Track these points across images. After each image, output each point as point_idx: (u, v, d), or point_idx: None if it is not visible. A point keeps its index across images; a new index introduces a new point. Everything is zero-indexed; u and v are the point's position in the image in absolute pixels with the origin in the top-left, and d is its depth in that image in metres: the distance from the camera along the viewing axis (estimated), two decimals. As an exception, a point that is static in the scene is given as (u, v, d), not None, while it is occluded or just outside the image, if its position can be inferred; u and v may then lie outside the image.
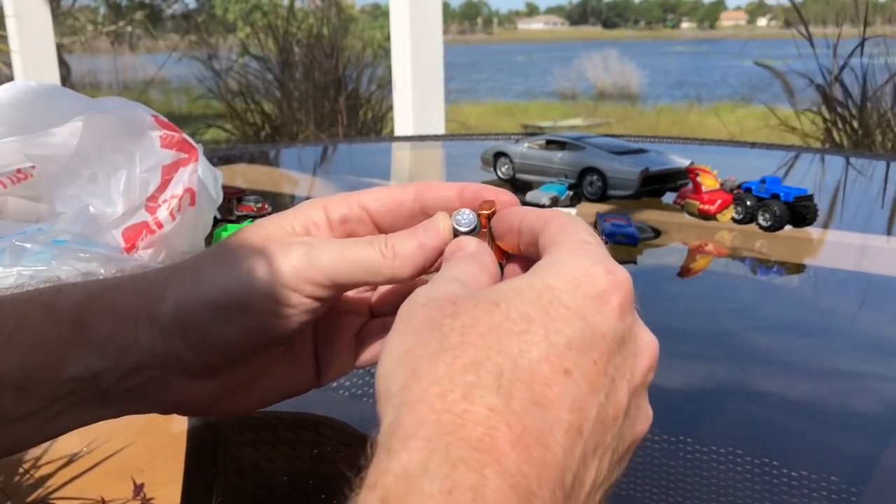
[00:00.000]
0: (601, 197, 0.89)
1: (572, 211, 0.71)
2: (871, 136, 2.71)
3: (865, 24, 2.71)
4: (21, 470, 0.36)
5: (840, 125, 2.77)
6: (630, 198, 0.88)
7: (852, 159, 1.31)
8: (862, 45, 2.70)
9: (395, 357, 0.21)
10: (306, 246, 0.29)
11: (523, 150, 0.99)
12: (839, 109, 2.75)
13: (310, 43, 3.80)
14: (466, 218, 0.29)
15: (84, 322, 0.28)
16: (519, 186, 0.98)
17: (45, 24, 3.03)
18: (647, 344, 0.26)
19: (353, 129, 3.68)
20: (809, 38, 2.79)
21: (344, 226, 0.33)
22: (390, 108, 3.76)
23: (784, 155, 1.29)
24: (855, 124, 2.73)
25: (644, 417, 0.26)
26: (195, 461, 0.37)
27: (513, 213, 0.28)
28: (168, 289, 0.29)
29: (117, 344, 0.29)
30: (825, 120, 2.80)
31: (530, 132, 1.56)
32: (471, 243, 0.28)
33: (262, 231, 0.30)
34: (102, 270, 0.53)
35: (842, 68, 2.72)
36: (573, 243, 0.24)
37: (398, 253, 0.29)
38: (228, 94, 4.00)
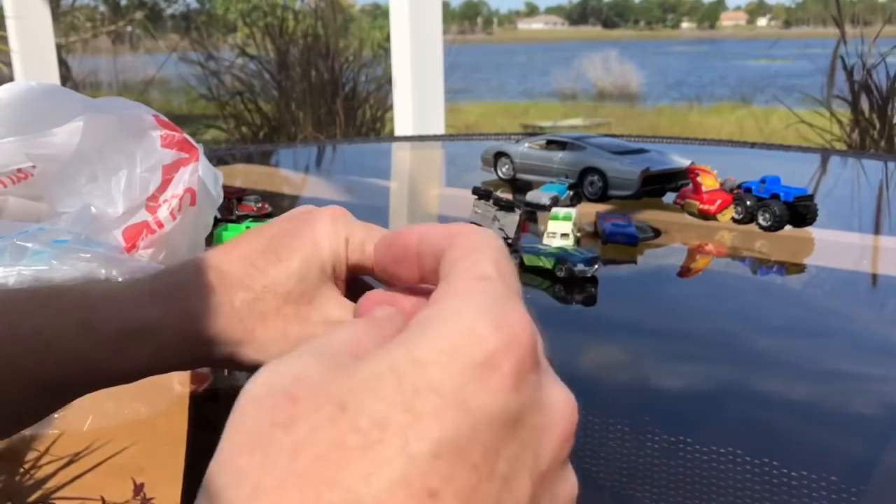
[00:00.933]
0: (602, 197, 0.89)
1: (573, 211, 0.71)
2: (891, 135, 2.70)
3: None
4: (21, 470, 0.36)
5: (869, 122, 2.75)
6: (630, 198, 0.88)
7: (863, 160, 1.31)
8: None
9: (212, 482, 0.17)
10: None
11: (524, 150, 0.99)
12: (872, 105, 2.73)
13: (308, 43, 3.80)
14: None
15: (123, 350, 0.30)
16: (519, 186, 0.98)
17: (44, 24, 3.03)
18: (558, 410, 0.20)
19: (351, 128, 3.68)
20: (843, 37, 2.77)
21: (351, 269, 0.35)
22: (389, 107, 3.77)
23: (784, 155, 1.29)
24: (877, 123, 2.72)
25: (564, 494, 0.20)
26: (195, 461, 0.37)
27: (406, 235, 0.24)
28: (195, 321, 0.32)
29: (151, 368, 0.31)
30: (857, 114, 2.78)
31: (530, 132, 1.56)
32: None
33: (306, 287, 0.33)
34: (103, 271, 0.53)
35: (877, 63, 2.70)
36: (464, 281, 0.20)
37: None
38: (226, 95, 4.00)
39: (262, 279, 0.33)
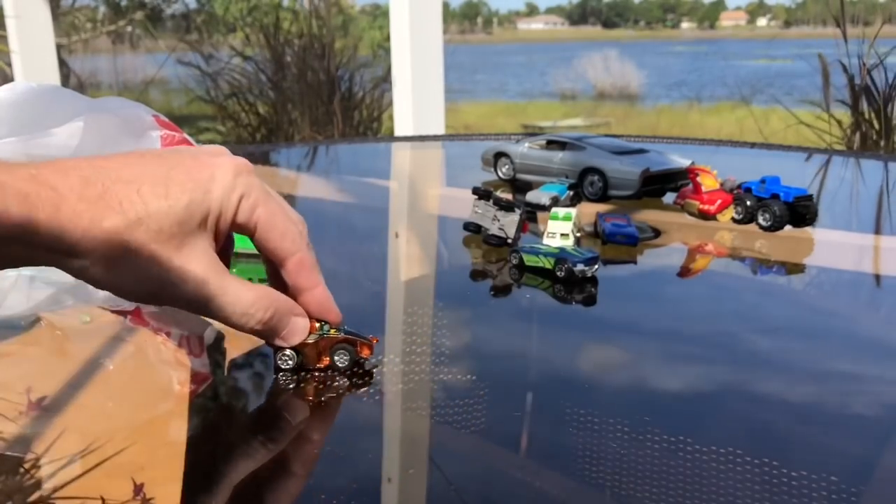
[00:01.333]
0: (602, 197, 0.89)
1: (573, 211, 0.71)
2: (891, 136, 2.70)
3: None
4: (21, 470, 0.36)
5: (869, 121, 2.75)
6: (631, 198, 0.88)
7: (863, 160, 1.31)
8: None
9: None
10: (221, 290, 0.36)
11: (524, 150, 0.99)
12: (869, 106, 2.73)
13: (304, 44, 3.80)
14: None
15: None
16: (519, 186, 0.98)
17: (45, 24, 3.03)
18: None
19: (348, 128, 3.68)
20: (844, 37, 2.76)
21: (235, 227, 0.36)
22: (386, 107, 3.77)
23: (784, 155, 1.29)
24: (879, 123, 2.71)
25: None
26: (195, 461, 0.37)
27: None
28: (81, 255, 0.32)
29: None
30: (857, 115, 2.78)
31: (530, 132, 1.56)
32: None
33: (184, 220, 0.34)
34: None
35: (876, 65, 2.70)
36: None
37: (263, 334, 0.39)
38: (221, 96, 3.99)
39: (139, 209, 0.32)
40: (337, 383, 0.44)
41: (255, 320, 0.37)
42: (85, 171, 0.32)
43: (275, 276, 0.41)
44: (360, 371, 0.45)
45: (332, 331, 0.45)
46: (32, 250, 0.31)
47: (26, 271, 0.52)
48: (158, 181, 0.33)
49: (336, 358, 0.46)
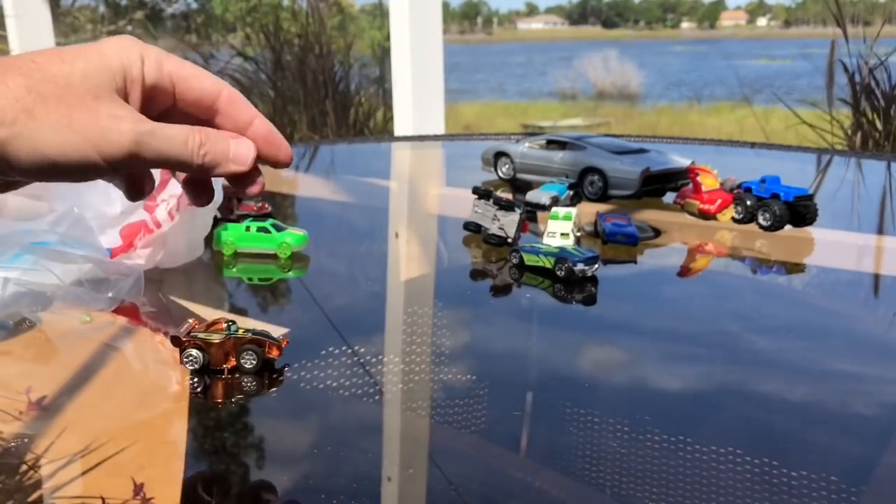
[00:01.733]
0: (602, 197, 0.89)
1: (573, 211, 0.71)
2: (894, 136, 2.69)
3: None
4: (21, 470, 0.36)
5: (871, 122, 2.74)
6: (631, 197, 0.88)
7: (863, 160, 1.31)
8: None
9: None
10: (137, 132, 0.33)
11: (524, 149, 0.99)
12: (872, 105, 2.72)
13: (301, 43, 3.80)
14: None
15: None
16: (519, 186, 0.98)
17: (45, 24, 3.03)
18: None
19: (343, 127, 3.68)
20: (845, 36, 2.76)
21: (150, 91, 0.35)
22: (380, 106, 3.76)
23: (784, 155, 1.29)
24: (879, 123, 2.71)
25: None
26: (195, 461, 0.37)
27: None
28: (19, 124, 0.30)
29: None
30: (860, 115, 2.77)
31: (530, 132, 1.56)
32: None
33: (86, 80, 0.32)
34: (88, 271, 0.53)
35: (877, 65, 2.69)
36: None
37: (210, 164, 0.36)
38: None
39: (39, 74, 0.31)
40: (336, 383, 0.44)
41: (197, 147, 0.35)
42: None
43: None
44: (360, 372, 0.45)
45: (240, 331, 0.45)
46: None
47: (11, 273, 0.52)
48: (49, 54, 0.33)
49: (243, 359, 0.45)
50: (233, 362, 0.45)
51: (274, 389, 0.43)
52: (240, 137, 0.37)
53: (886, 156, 2.00)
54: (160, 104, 0.35)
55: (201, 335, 0.45)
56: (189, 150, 0.35)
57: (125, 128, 0.32)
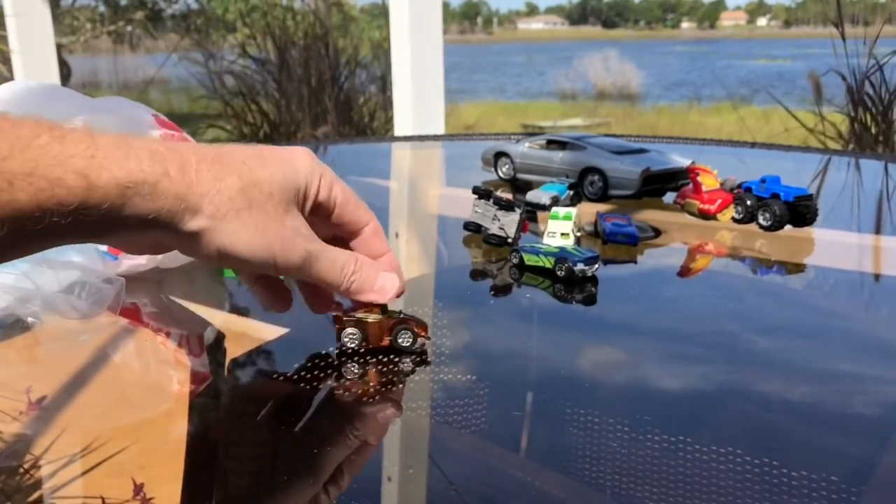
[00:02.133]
0: (602, 197, 0.89)
1: (573, 210, 0.71)
2: (893, 137, 2.69)
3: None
4: (21, 470, 0.36)
5: (867, 125, 2.74)
6: (631, 198, 0.88)
7: (863, 160, 1.31)
8: None
9: None
10: (308, 252, 0.38)
11: (524, 149, 0.99)
12: (869, 108, 2.72)
13: (306, 43, 3.80)
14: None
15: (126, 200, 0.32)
16: (519, 186, 0.98)
17: (44, 23, 3.03)
18: None
19: (346, 127, 3.69)
20: (843, 38, 2.75)
21: (315, 206, 0.39)
22: (383, 106, 3.77)
23: (784, 155, 1.29)
24: (874, 126, 2.70)
25: None
26: (195, 461, 0.37)
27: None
28: (204, 216, 0.34)
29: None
30: (853, 120, 2.77)
31: (530, 132, 1.56)
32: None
33: (280, 191, 0.36)
34: (69, 277, 0.53)
35: (880, 66, 2.68)
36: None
37: (355, 290, 0.42)
38: (227, 95, 4.00)
39: (250, 174, 0.35)
40: (335, 383, 0.44)
41: (350, 273, 0.40)
42: (191, 145, 0.35)
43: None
44: (364, 376, 0.45)
45: (394, 313, 0.47)
46: (157, 202, 0.32)
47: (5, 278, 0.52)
48: (254, 156, 0.36)
49: (400, 338, 0.47)
50: (387, 342, 0.47)
51: (362, 389, 0.43)
52: (390, 272, 0.43)
53: (885, 155, 2.00)
54: (313, 216, 0.40)
55: (360, 314, 0.47)
56: (342, 275, 0.40)
57: (301, 245, 0.37)
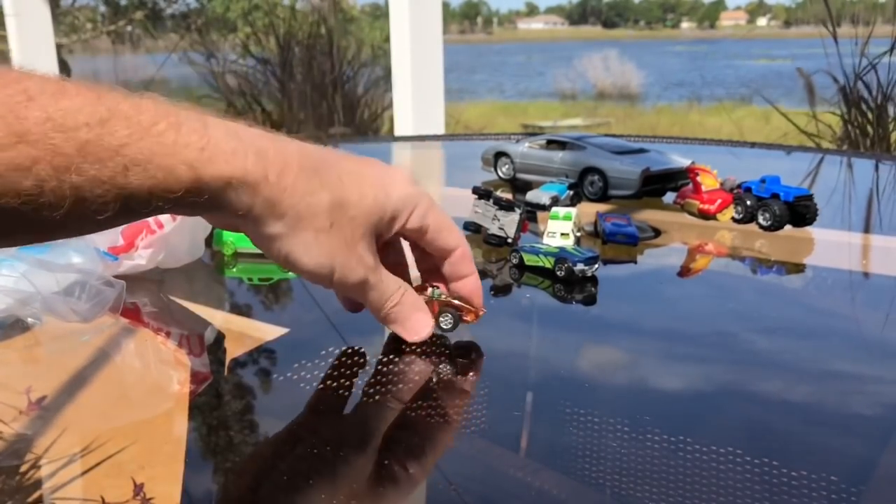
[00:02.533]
0: (602, 197, 0.89)
1: (573, 210, 0.71)
2: (888, 137, 2.69)
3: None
4: (21, 470, 0.36)
5: (860, 125, 2.74)
6: (631, 198, 0.88)
7: (863, 160, 1.31)
8: (894, 46, 2.65)
9: None
10: (366, 280, 0.40)
11: (524, 149, 0.99)
12: (861, 108, 2.72)
13: (309, 43, 3.80)
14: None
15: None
16: (519, 186, 0.98)
17: (44, 23, 3.03)
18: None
19: (350, 126, 3.69)
20: (835, 37, 2.75)
21: (403, 230, 0.41)
22: (387, 106, 3.77)
23: (784, 155, 1.29)
24: (873, 124, 2.70)
25: None
26: (195, 461, 0.37)
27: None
28: (281, 224, 0.35)
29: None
30: (845, 121, 2.78)
31: (530, 132, 1.56)
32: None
33: (364, 221, 0.38)
34: (69, 280, 0.53)
35: (871, 66, 2.69)
36: None
37: (391, 320, 0.43)
38: (231, 94, 4.00)
39: (341, 194, 0.36)
40: (337, 383, 0.44)
41: (392, 304, 0.41)
42: (297, 146, 0.36)
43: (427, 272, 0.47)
44: (361, 374, 0.45)
45: (443, 296, 0.48)
46: (251, 201, 0.33)
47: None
48: (354, 172, 0.37)
49: (441, 320, 0.48)
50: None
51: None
52: (426, 315, 0.44)
53: (885, 156, 2.00)
54: (405, 236, 0.42)
55: None
56: (385, 304, 0.41)
57: (361, 273, 0.38)
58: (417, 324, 0.44)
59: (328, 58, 3.73)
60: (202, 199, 0.31)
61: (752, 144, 1.36)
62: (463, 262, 0.45)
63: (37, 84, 0.25)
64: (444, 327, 0.48)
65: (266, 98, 3.95)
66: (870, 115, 2.72)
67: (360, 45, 4.20)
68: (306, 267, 0.37)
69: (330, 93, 3.69)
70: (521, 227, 0.72)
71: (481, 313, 0.49)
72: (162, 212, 0.32)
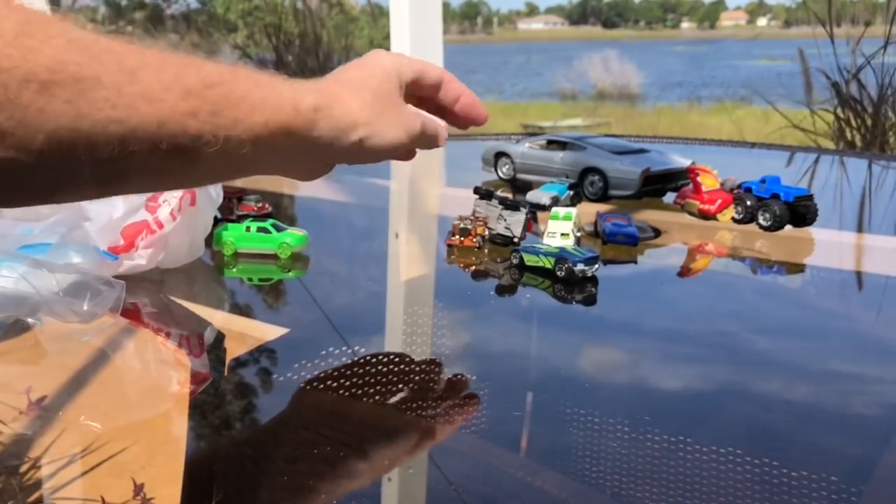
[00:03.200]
0: (602, 197, 0.89)
1: (573, 211, 0.71)
2: (884, 136, 2.69)
3: (891, 24, 2.68)
4: (21, 470, 0.36)
5: (854, 124, 2.74)
6: (631, 198, 0.88)
7: (862, 160, 1.31)
8: (886, 45, 2.66)
9: None
10: (421, 121, 0.45)
11: (524, 150, 0.99)
12: (854, 107, 2.72)
13: (304, 44, 3.80)
14: None
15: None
16: (520, 186, 0.98)
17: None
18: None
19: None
20: (831, 37, 2.75)
21: (410, 85, 0.46)
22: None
23: (784, 155, 1.29)
24: (868, 123, 2.70)
25: None
26: (195, 461, 0.37)
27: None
28: (361, 125, 0.41)
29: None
30: (839, 119, 2.78)
31: (530, 132, 1.56)
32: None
33: (391, 86, 0.44)
34: (69, 281, 0.53)
35: (861, 67, 2.69)
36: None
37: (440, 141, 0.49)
38: None
39: (370, 83, 0.42)
40: (337, 383, 0.44)
41: (432, 130, 0.47)
42: (324, 78, 0.42)
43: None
44: (360, 373, 0.45)
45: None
46: (335, 122, 0.39)
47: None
48: (361, 67, 0.43)
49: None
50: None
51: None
52: (440, 123, 0.49)
53: (885, 156, 2.00)
54: (408, 95, 0.46)
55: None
56: (437, 132, 0.48)
57: (416, 120, 0.44)
58: (441, 134, 0.49)
59: (319, 58, 3.73)
60: (302, 132, 0.37)
61: (753, 144, 1.36)
62: (452, 84, 0.49)
63: (182, 56, 0.34)
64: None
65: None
66: (861, 113, 2.73)
67: (351, 44, 4.19)
68: (392, 144, 0.43)
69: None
70: (527, 227, 0.72)
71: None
72: (276, 150, 0.38)
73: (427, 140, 0.48)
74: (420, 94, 0.48)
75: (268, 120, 0.35)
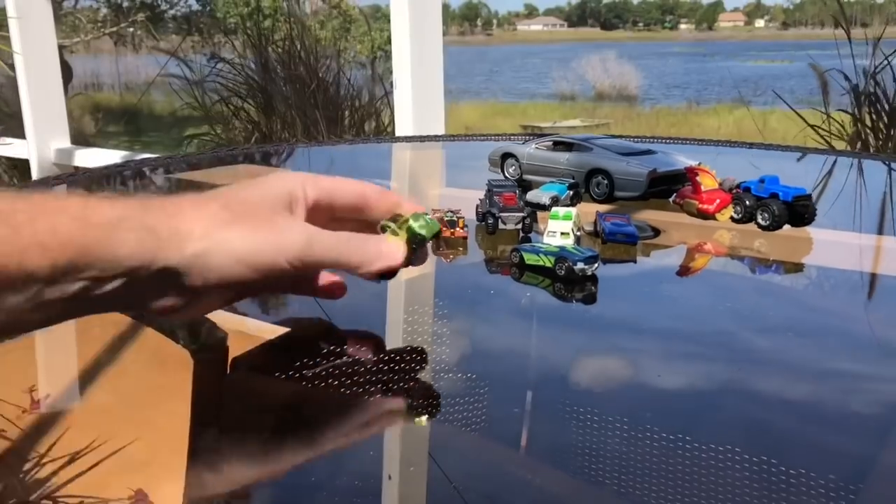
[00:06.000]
0: (608, 198, 0.89)
1: (573, 210, 0.71)
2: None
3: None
4: (21, 470, 0.36)
5: (871, 126, 2.73)
6: (638, 199, 0.87)
7: (862, 160, 1.32)
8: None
9: None
10: (307, 235, 0.40)
11: (530, 151, 0.99)
12: (870, 110, 2.71)
13: (287, 48, 3.80)
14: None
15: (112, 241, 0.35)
16: (525, 187, 0.98)
17: (47, 25, 3.03)
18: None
19: (334, 133, 3.68)
20: (848, 37, 2.74)
21: (313, 207, 0.42)
22: (373, 113, 3.77)
23: (783, 155, 1.29)
24: (885, 124, 2.70)
25: None
26: (196, 460, 0.37)
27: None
28: (195, 238, 0.36)
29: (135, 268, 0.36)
30: (856, 121, 2.77)
31: (529, 132, 1.56)
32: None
33: (264, 201, 0.40)
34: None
35: (881, 67, 2.68)
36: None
37: (377, 261, 0.43)
38: (209, 102, 3.98)
39: (232, 196, 0.39)
40: (336, 381, 0.44)
41: (354, 247, 0.42)
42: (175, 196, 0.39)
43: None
44: (360, 370, 0.46)
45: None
46: (155, 240, 0.36)
47: None
48: (236, 186, 0.40)
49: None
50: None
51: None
52: (378, 244, 0.44)
53: (885, 156, 2.00)
54: (322, 218, 0.42)
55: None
56: (347, 248, 0.42)
57: (298, 230, 0.39)
58: (390, 251, 0.44)
59: (307, 65, 3.72)
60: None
61: (751, 145, 1.36)
62: (383, 196, 0.45)
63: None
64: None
65: (250, 103, 3.92)
66: (880, 115, 2.72)
67: (342, 50, 4.19)
68: (246, 257, 0.38)
69: (311, 101, 3.67)
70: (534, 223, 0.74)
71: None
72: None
73: (340, 259, 0.41)
74: (340, 216, 0.44)
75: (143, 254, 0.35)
